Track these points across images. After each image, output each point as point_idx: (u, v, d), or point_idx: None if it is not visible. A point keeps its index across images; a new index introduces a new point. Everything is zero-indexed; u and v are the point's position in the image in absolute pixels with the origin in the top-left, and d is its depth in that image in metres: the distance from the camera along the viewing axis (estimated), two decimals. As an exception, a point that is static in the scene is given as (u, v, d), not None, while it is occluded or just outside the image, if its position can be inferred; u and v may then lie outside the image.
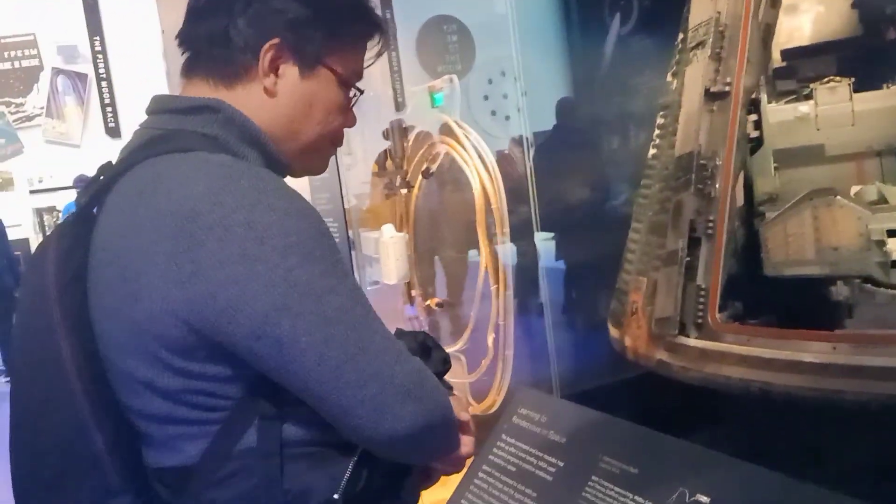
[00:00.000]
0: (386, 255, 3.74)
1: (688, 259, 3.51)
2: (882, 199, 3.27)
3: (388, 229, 3.75)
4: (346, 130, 1.85)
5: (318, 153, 1.69)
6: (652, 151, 4.15)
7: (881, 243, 2.99)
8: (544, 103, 10.15)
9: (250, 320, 1.29)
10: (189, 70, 1.61)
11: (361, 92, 1.80)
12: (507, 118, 10.57)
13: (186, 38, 1.57)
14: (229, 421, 1.36)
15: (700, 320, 3.42)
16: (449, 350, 4.02)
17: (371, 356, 1.35)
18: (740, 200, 3.84)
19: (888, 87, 4.17)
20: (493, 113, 10.64)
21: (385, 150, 4.27)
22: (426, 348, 1.74)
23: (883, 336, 2.88)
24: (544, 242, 7.74)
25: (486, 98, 10.58)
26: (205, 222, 1.29)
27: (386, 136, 4.40)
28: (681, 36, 3.98)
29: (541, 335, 4.67)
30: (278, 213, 1.34)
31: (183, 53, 1.57)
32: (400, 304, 3.98)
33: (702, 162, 3.54)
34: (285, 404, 1.40)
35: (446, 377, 1.79)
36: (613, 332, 4.14)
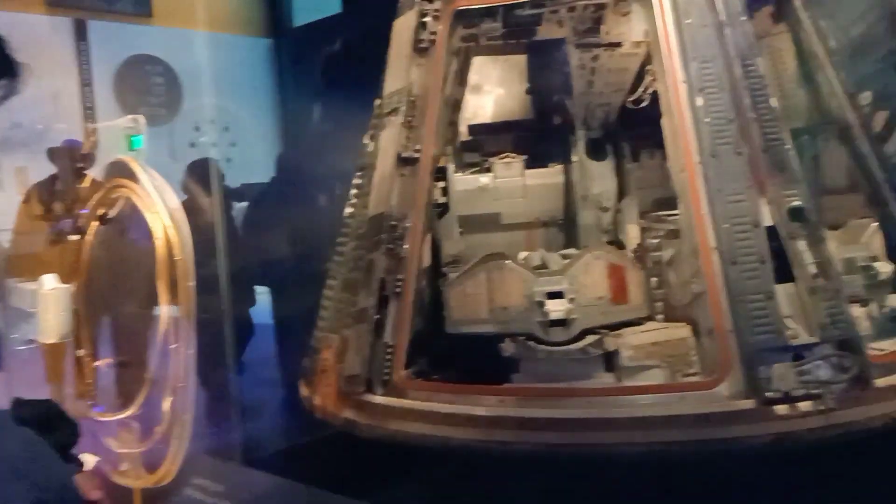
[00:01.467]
0: (45, 310, 3.27)
1: (377, 317, 3.58)
2: (544, 265, 3.64)
3: (49, 280, 3.28)
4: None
5: None
6: (348, 210, 4.21)
7: (541, 304, 3.31)
8: (254, 155, 9.94)
9: None
10: None
11: None
12: (215, 168, 10.14)
13: None
14: None
15: (387, 378, 3.48)
16: (120, 417, 3.61)
17: None
18: (427, 261, 4.05)
19: (553, 166, 4.76)
20: (200, 161, 10.16)
21: (42, 183, 3.80)
22: (50, 419, 1.50)
23: (540, 390, 3.17)
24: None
25: (192, 145, 10.09)
26: None
27: (52, 156, 3.87)
28: (378, 101, 4.13)
29: (232, 396, 4.42)
30: None
31: None
32: (63, 366, 3.50)
33: (392, 223, 3.67)
34: None
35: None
36: (304, 390, 4.05)
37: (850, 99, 4.11)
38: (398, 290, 3.57)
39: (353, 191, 4.20)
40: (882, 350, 3.23)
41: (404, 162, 3.73)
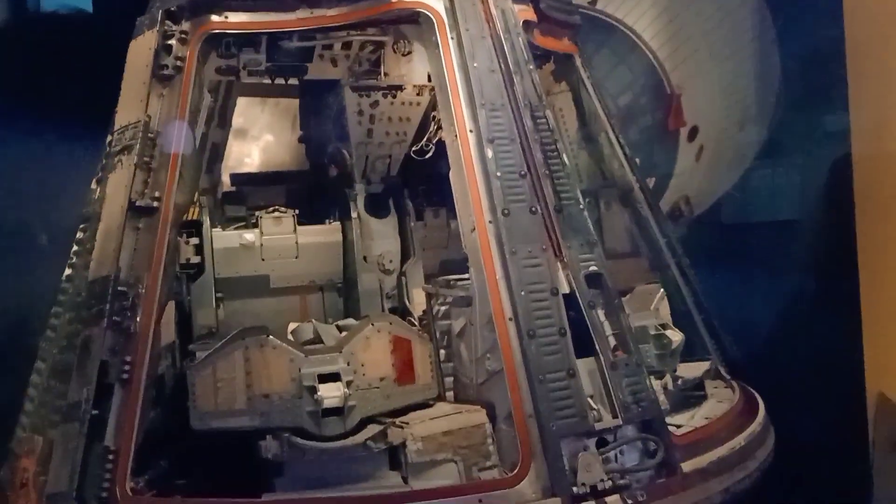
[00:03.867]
0: None
1: (95, 412, 2.73)
2: (318, 338, 3.05)
3: None
4: None
5: None
6: (67, 272, 3.32)
7: (313, 389, 2.70)
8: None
9: None
10: None
11: None
12: None
13: None
14: None
15: (105, 493, 2.63)
16: None
17: None
18: (170, 336, 3.26)
19: (330, 223, 4.21)
20: None
21: None
22: None
23: (307, 502, 2.53)
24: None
25: None
26: None
27: None
28: (109, 137, 3.34)
29: None
30: None
31: None
32: None
33: (120, 289, 2.86)
34: None
35: None
36: (-5, 511, 3.05)
37: (630, 162, 4.06)
38: (125, 375, 2.78)
39: (74, 247, 3.33)
40: (679, 426, 3.03)
41: (139, 212, 2.97)
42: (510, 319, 2.72)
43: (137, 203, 2.97)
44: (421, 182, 4.31)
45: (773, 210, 5.74)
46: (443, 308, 3.44)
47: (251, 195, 4.33)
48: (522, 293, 2.72)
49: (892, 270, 4.08)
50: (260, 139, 4.58)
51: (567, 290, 2.79)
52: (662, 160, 5.75)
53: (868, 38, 4.10)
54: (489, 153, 2.90)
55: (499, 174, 2.87)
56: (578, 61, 4.01)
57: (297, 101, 4.35)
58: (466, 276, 3.14)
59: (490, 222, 2.83)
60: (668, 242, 3.99)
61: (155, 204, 2.97)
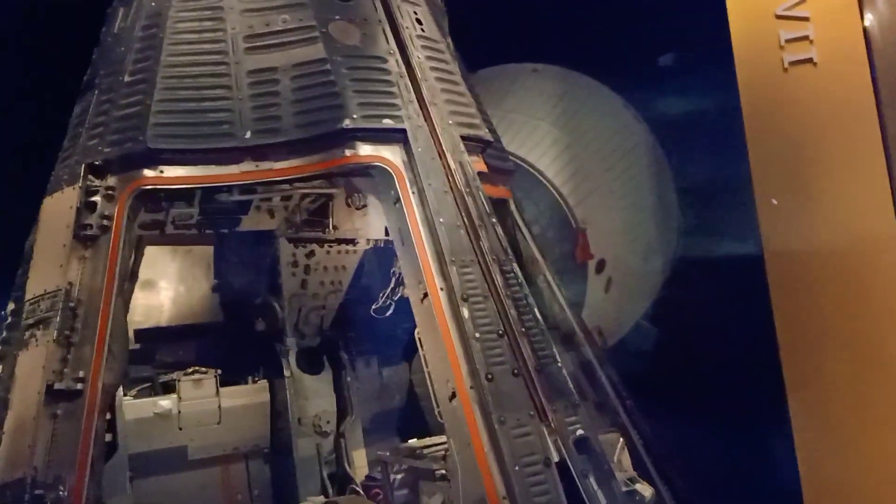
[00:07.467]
0: None
1: None
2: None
3: None
4: None
5: None
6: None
7: None
8: None
9: None
10: None
11: None
12: None
13: None
14: None
15: None
16: None
17: None
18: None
19: (255, 381, 3.82)
20: None
21: None
22: None
23: None
24: None
25: None
26: None
27: None
28: (11, 306, 2.86)
29: None
30: None
31: None
32: None
33: (37, 493, 2.37)
34: None
35: None
36: None
37: (571, 305, 4.02)
38: None
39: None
40: None
41: (58, 397, 2.51)
42: (504, 498, 2.47)
43: (56, 386, 2.52)
44: (349, 329, 4.05)
45: (684, 337, 5.89)
46: (399, 476, 3.13)
47: (160, 352, 3.89)
48: (516, 468, 2.50)
49: (817, 392, 4.15)
50: (170, 290, 4.16)
51: (557, 459, 2.60)
52: (573, 293, 5.81)
53: (774, 164, 4.26)
54: (465, 313, 2.73)
55: (477, 335, 2.70)
56: (513, 205, 3.99)
57: (211, 249, 4.03)
58: (432, 441, 2.89)
59: (472, 388, 2.63)
60: (612, 384, 3.93)
61: (78, 386, 2.53)
